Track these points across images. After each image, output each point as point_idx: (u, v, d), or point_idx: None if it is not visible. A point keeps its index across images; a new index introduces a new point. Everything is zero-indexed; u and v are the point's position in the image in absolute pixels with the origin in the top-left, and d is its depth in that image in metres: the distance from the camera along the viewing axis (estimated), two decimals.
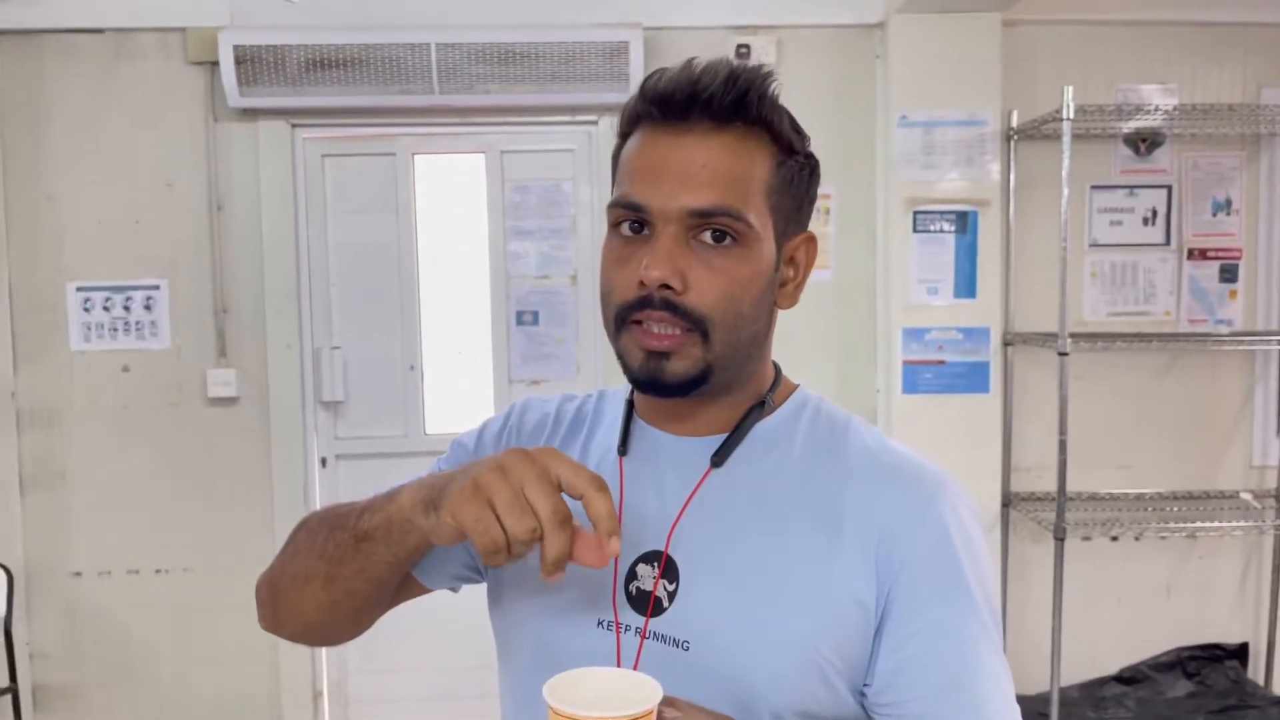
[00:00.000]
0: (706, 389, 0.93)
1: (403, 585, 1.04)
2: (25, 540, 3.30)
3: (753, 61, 3.36)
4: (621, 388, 1.06)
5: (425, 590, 1.08)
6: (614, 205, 0.92)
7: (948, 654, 0.88)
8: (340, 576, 0.93)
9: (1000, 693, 0.90)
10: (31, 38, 3.23)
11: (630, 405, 1.01)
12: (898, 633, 0.89)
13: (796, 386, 1.02)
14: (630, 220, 0.91)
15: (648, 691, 0.77)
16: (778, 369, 1.02)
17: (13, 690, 3.03)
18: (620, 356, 0.94)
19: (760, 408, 0.97)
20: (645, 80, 0.93)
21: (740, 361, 0.94)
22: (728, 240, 0.89)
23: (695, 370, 0.90)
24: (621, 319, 0.91)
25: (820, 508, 0.92)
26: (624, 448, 0.99)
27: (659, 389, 0.92)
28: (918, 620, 0.89)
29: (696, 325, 0.89)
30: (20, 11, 3.17)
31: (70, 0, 3.19)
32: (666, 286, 0.88)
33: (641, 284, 0.88)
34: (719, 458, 0.95)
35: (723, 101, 0.88)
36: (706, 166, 0.88)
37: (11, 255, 3.27)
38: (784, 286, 0.96)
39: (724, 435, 0.96)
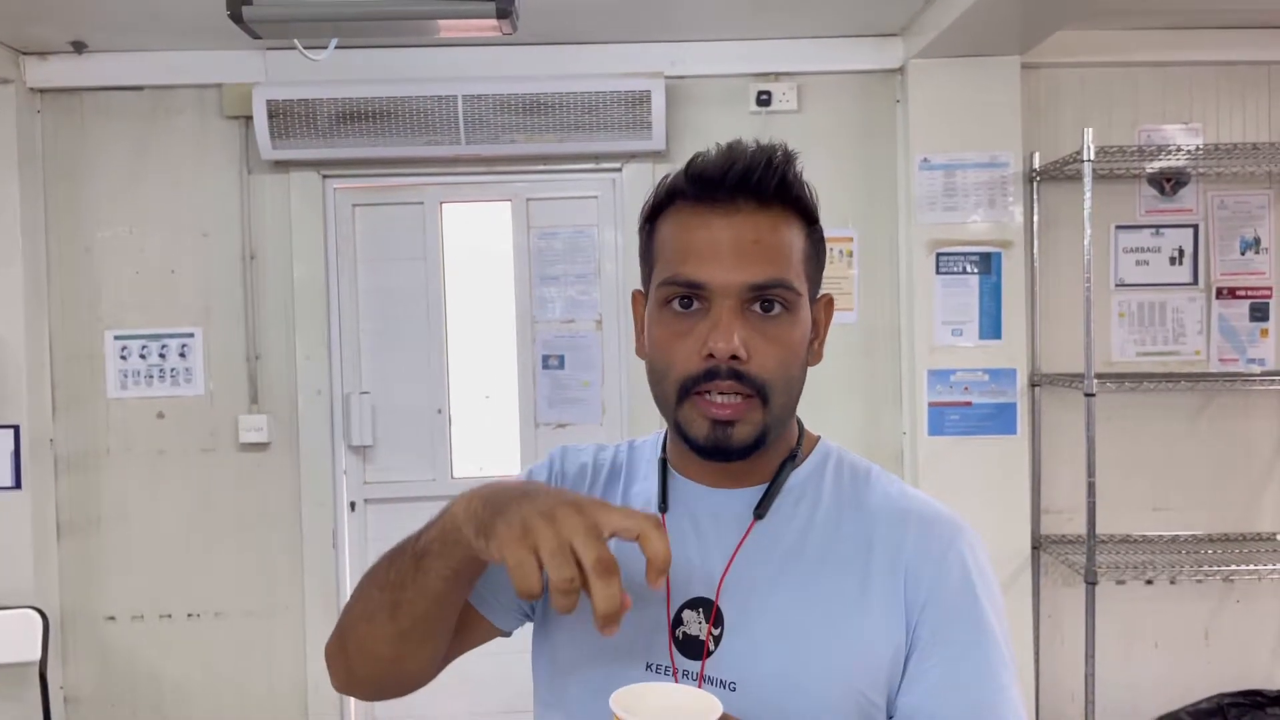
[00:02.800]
0: (760, 451, 0.98)
1: (466, 623, 1.06)
2: (61, 584, 3.36)
3: (775, 106, 3.40)
4: (650, 439, 1.12)
5: (489, 628, 1.09)
6: (669, 284, 0.96)
7: (970, 681, 0.93)
8: (404, 601, 0.94)
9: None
10: (74, 95, 3.34)
11: (664, 463, 1.06)
12: (923, 663, 0.94)
13: (819, 438, 1.08)
14: (682, 296, 0.96)
15: (708, 705, 0.81)
16: (800, 423, 1.07)
17: None
18: (680, 426, 0.98)
19: (792, 460, 1.03)
20: (690, 163, 0.98)
21: (787, 420, 1.01)
22: (777, 309, 0.96)
23: (756, 434, 0.96)
24: (685, 390, 0.96)
25: (850, 554, 0.98)
26: (664, 504, 1.04)
27: (725, 455, 0.97)
28: (943, 650, 0.94)
29: (759, 392, 0.95)
30: (63, 70, 3.30)
31: (111, 59, 3.31)
32: (734, 357, 0.93)
33: (709, 356, 0.93)
34: (761, 510, 1.00)
35: (768, 184, 0.95)
36: (759, 243, 0.95)
37: (52, 305, 3.36)
38: (811, 345, 1.03)
39: (757, 487, 1.01)
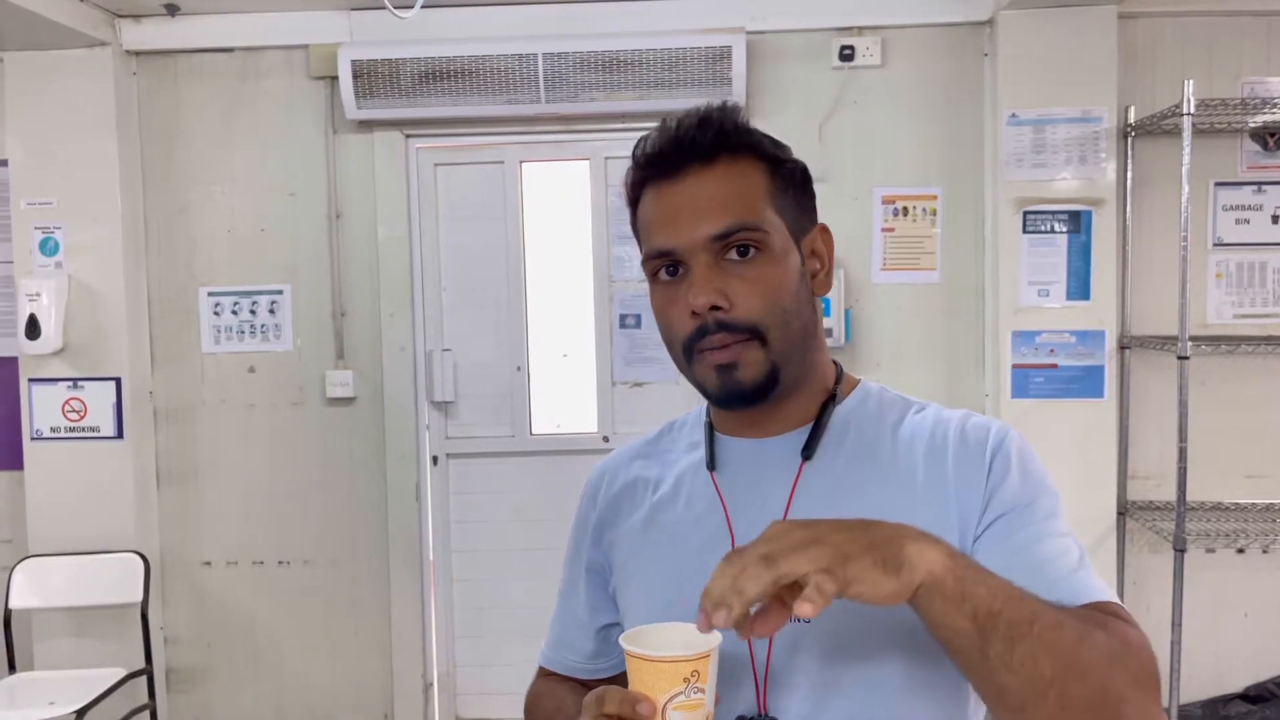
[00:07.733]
0: (780, 390, 1.01)
1: None
2: (161, 530, 3.51)
3: (858, 62, 3.33)
4: (693, 414, 1.16)
5: None
6: (647, 259, 1.03)
7: (1042, 558, 0.93)
8: None
9: (1060, 550, 0.95)
10: (168, 58, 3.43)
11: (709, 426, 1.11)
12: (990, 548, 0.95)
13: (859, 380, 1.12)
14: (666, 266, 1.02)
15: (708, 639, 0.87)
16: (839, 366, 1.11)
17: (148, 672, 3.22)
18: (698, 385, 1.04)
19: (833, 400, 1.06)
20: (635, 150, 1.05)
21: (800, 353, 1.03)
22: (752, 252, 0.99)
23: (765, 371, 1.00)
24: (689, 352, 1.01)
25: (897, 476, 1.01)
26: (712, 463, 1.08)
27: (739, 399, 1.02)
28: (1007, 540, 0.95)
29: (753, 334, 0.99)
30: (157, 33, 3.38)
31: (202, 22, 3.38)
32: (715, 308, 0.98)
33: (694, 314, 0.98)
34: (809, 451, 1.03)
35: (704, 142, 1.00)
36: (712, 197, 0.99)
37: (150, 262, 3.48)
38: (814, 277, 1.06)
39: (801, 429, 1.05)
